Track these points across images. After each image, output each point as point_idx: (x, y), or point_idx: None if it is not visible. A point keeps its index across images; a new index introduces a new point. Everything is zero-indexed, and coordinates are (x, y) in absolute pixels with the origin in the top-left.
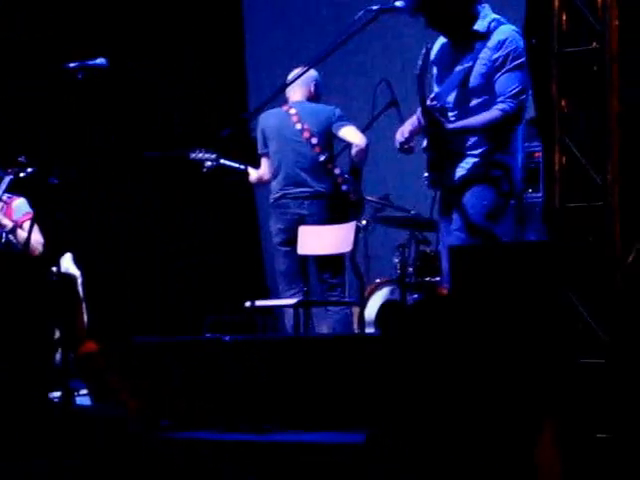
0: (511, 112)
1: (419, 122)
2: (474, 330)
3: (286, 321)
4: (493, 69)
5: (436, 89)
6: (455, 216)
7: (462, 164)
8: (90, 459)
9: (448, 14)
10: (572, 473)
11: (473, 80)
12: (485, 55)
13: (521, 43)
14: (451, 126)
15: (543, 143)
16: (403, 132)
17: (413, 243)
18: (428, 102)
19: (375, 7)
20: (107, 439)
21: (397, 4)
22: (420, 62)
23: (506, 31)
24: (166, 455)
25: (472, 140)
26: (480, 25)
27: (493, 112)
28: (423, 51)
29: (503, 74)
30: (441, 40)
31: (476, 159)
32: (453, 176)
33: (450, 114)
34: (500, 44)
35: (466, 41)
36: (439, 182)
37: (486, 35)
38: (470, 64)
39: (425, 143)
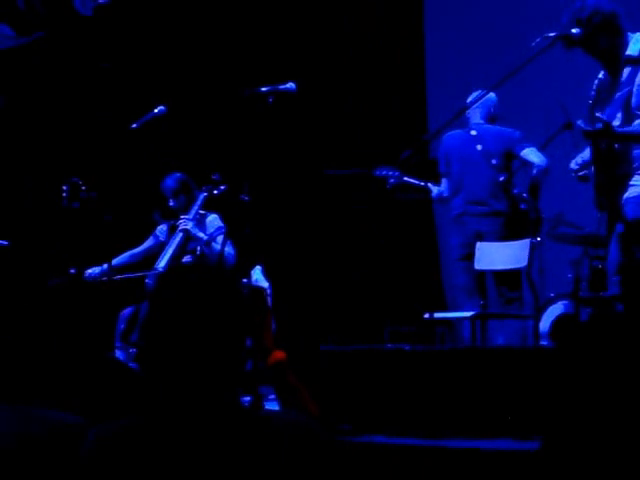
0: None
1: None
2: None
3: (464, 332)
4: None
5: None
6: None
7: (631, 182)
8: (272, 459)
9: (601, 46)
10: None
11: (634, 100)
12: None
13: None
14: (619, 129)
15: None
16: (576, 160)
17: (586, 259)
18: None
19: (552, 34)
20: (292, 441)
21: (572, 31)
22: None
23: None
24: (345, 457)
25: (638, 162)
26: (632, 49)
27: None
28: (596, 81)
29: None
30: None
31: None
32: (623, 193)
33: None
34: None
35: (621, 66)
36: (606, 205)
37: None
38: (630, 87)
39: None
